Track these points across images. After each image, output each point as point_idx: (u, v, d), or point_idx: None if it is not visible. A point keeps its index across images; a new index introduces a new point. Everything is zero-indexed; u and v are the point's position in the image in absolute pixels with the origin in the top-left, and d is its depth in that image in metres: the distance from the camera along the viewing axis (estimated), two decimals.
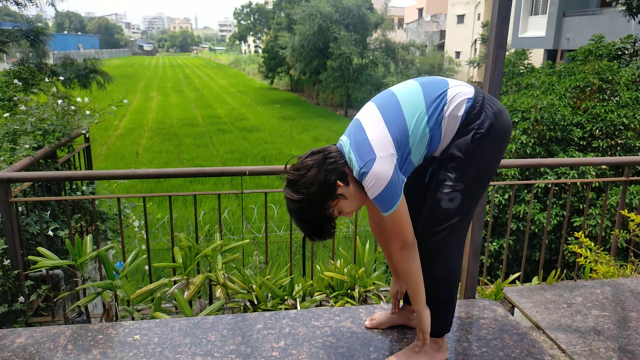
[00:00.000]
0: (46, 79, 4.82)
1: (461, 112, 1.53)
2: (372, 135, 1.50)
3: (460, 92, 1.56)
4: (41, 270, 2.88)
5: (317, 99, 30.20)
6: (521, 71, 7.67)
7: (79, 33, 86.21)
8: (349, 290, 2.76)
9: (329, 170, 1.51)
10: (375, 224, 1.85)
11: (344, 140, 1.57)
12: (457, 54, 30.97)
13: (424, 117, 1.52)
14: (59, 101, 3.80)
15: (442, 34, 33.93)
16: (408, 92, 1.57)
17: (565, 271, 3.37)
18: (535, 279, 2.94)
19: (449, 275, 1.64)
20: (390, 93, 1.60)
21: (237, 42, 47.87)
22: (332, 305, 2.66)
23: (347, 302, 2.67)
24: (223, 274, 2.61)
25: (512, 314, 2.35)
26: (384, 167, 1.46)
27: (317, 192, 1.50)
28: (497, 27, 1.87)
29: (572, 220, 4.93)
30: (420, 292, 1.61)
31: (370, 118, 1.55)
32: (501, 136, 1.57)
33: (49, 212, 3.26)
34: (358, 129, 1.54)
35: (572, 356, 1.88)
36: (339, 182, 1.52)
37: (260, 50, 38.70)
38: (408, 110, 1.53)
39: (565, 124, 5.43)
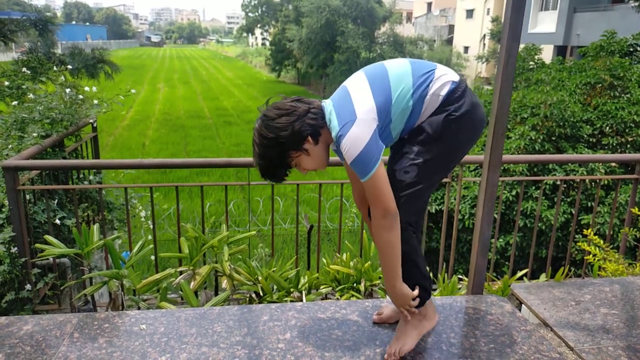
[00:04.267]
0: (54, 68, 4.82)
1: (444, 92, 1.55)
2: (356, 100, 1.52)
3: (446, 74, 1.59)
4: (48, 259, 2.90)
5: (323, 93, 30.10)
6: (531, 67, 7.60)
7: (87, 23, 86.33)
8: (355, 284, 2.76)
9: (307, 123, 1.53)
10: (359, 196, 1.83)
11: (327, 102, 1.60)
12: (466, 49, 30.75)
13: (409, 89, 1.54)
14: (67, 90, 3.80)
15: (451, 28, 33.68)
16: (397, 66, 1.60)
17: (573, 269, 3.34)
18: (543, 276, 2.92)
19: (405, 247, 1.60)
20: (380, 64, 1.63)
21: (245, 34, 47.75)
22: (338, 299, 2.66)
23: (353, 295, 2.66)
24: (229, 265, 2.61)
25: (520, 310, 2.33)
26: (362, 129, 1.47)
27: (286, 138, 1.52)
28: (510, 20, 1.83)
29: (579, 218, 4.89)
30: (397, 265, 1.57)
31: (357, 85, 1.57)
32: (473, 126, 1.60)
33: (56, 200, 3.27)
34: (344, 93, 1.57)
35: (580, 354, 1.86)
36: (309, 138, 1.54)
37: (267, 43, 38.60)
38: (395, 81, 1.55)
39: (575, 120, 5.37)
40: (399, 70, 1.57)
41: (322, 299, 2.70)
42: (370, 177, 1.48)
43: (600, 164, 4.87)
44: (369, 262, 2.77)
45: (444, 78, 1.57)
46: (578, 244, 3.32)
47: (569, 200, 5.04)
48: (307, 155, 1.58)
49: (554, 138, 5.36)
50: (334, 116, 1.52)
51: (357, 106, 1.50)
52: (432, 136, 1.55)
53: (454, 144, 1.58)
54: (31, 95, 3.87)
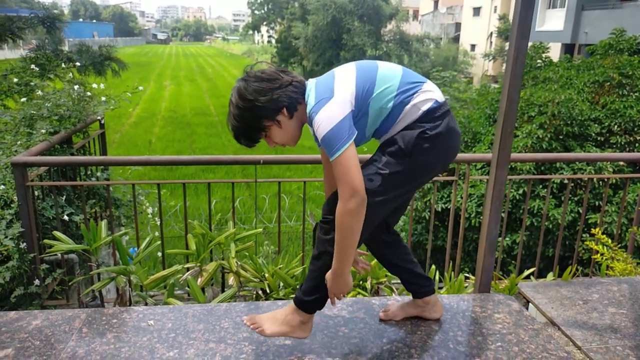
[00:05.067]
0: (62, 66, 4.84)
1: (425, 107, 1.54)
2: (338, 81, 1.52)
3: (432, 91, 1.58)
4: (56, 255, 2.91)
5: None
6: (539, 65, 7.55)
7: (94, 21, 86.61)
8: (361, 282, 2.76)
9: (286, 94, 1.54)
10: (330, 184, 1.81)
11: (310, 81, 1.60)
12: (473, 47, 30.61)
13: (393, 91, 1.54)
14: (75, 87, 3.82)
15: (458, 26, 33.53)
16: (389, 67, 1.60)
17: (580, 268, 3.33)
18: (550, 275, 2.91)
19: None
20: (374, 61, 1.63)
21: (251, 32, 47.81)
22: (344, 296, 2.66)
23: (359, 293, 2.66)
24: (236, 262, 2.61)
25: (527, 309, 2.32)
26: (337, 108, 1.46)
27: (263, 104, 1.52)
28: (520, 17, 1.82)
29: (587, 217, 4.86)
30: (352, 252, 1.51)
31: (344, 69, 1.58)
32: (444, 150, 1.58)
33: (64, 197, 3.29)
34: (330, 74, 1.58)
35: (587, 353, 1.86)
36: (285, 110, 1.55)
37: (273, 41, 38.61)
38: (381, 78, 1.55)
39: (583, 119, 5.34)
40: (389, 71, 1.57)
41: None
42: (339, 156, 1.44)
43: (609, 162, 4.84)
44: (375, 260, 2.77)
45: (428, 94, 1.56)
46: (586, 242, 3.30)
47: (576, 199, 5.01)
48: (278, 128, 1.58)
49: (561, 137, 5.33)
50: (313, 92, 1.52)
51: (337, 86, 1.50)
52: (402, 150, 1.52)
53: (422, 163, 1.55)
54: (39, 92, 3.90)
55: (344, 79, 1.53)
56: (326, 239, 1.58)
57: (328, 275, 1.58)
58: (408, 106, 1.54)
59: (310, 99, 1.52)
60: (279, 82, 1.54)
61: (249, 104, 1.53)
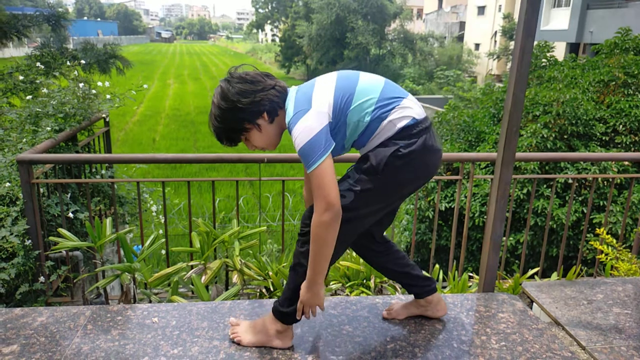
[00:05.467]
0: (68, 63, 4.86)
1: (400, 124, 1.52)
2: (316, 92, 1.52)
3: (411, 107, 1.55)
4: (61, 252, 2.93)
5: None
6: (543, 64, 7.52)
7: (98, 19, 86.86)
8: (365, 280, 2.76)
9: (268, 98, 1.55)
10: (309, 194, 1.82)
11: (293, 88, 1.61)
12: (477, 46, 30.52)
13: (372, 104, 1.52)
14: (80, 85, 3.83)
15: (462, 25, 33.44)
16: (370, 79, 1.58)
17: (584, 268, 3.32)
18: (554, 275, 2.90)
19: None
20: (357, 72, 1.62)
21: (255, 30, 47.81)
22: (348, 295, 2.66)
23: (363, 292, 2.66)
24: (240, 260, 2.62)
25: (531, 309, 2.32)
26: (314, 120, 1.46)
27: (245, 106, 1.53)
28: (526, 15, 1.82)
29: (591, 217, 4.85)
30: (325, 266, 1.52)
31: (324, 79, 1.57)
32: (418, 168, 1.55)
33: (69, 194, 3.30)
34: (310, 84, 1.58)
35: (592, 353, 1.85)
36: (265, 114, 1.56)
37: (277, 39, 38.62)
38: (361, 90, 1.53)
39: (588, 118, 5.32)
40: (369, 84, 1.55)
41: (331, 295, 2.71)
42: (315, 168, 1.44)
43: (613, 162, 4.82)
44: None
45: (406, 111, 1.53)
46: (590, 242, 3.29)
47: (580, 199, 5.00)
48: (258, 131, 1.59)
49: (566, 136, 5.31)
50: (292, 102, 1.52)
51: (315, 97, 1.50)
52: (374, 167, 1.51)
53: (395, 181, 1.53)
54: (45, 90, 3.91)
55: (323, 90, 1.52)
56: (301, 251, 1.58)
57: (302, 285, 1.59)
58: (385, 122, 1.52)
59: (289, 108, 1.52)
60: (261, 84, 1.55)
61: (230, 105, 1.54)
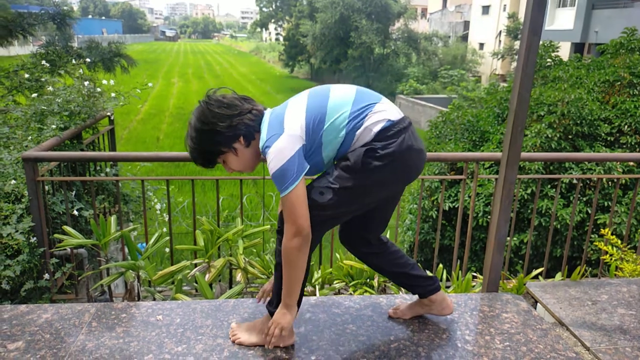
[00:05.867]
0: (73, 62, 4.88)
1: (377, 129, 1.52)
2: (288, 115, 1.52)
3: (385, 110, 1.55)
4: (66, 249, 2.94)
5: None
6: (548, 64, 7.49)
7: (103, 18, 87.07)
8: (368, 280, 2.76)
9: (244, 122, 1.55)
10: None
11: (267, 111, 1.61)
12: (481, 45, 30.43)
13: (345, 119, 1.52)
14: (86, 83, 3.84)
15: (466, 24, 33.35)
16: (341, 91, 1.58)
17: (589, 269, 3.31)
18: (558, 275, 2.89)
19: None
20: (327, 87, 1.61)
21: (259, 29, 47.84)
22: (351, 294, 2.66)
23: (366, 291, 2.67)
24: (243, 258, 2.62)
25: (535, 309, 2.31)
26: (287, 144, 1.46)
27: (221, 130, 1.54)
28: (532, 14, 1.81)
29: (595, 218, 4.83)
30: (297, 288, 1.58)
31: (297, 100, 1.58)
32: (398, 169, 1.54)
33: (74, 192, 3.31)
34: (284, 106, 1.59)
35: (596, 354, 1.85)
36: (242, 138, 1.57)
37: (281, 38, 38.63)
38: (333, 106, 1.53)
39: (593, 118, 5.29)
40: (341, 98, 1.54)
41: (335, 294, 2.71)
42: (288, 193, 1.47)
43: (618, 163, 4.80)
44: None
45: (381, 114, 1.53)
46: (594, 243, 3.28)
47: (584, 199, 4.98)
48: (235, 155, 1.59)
49: (570, 136, 5.29)
50: (266, 125, 1.53)
51: (287, 120, 1.50)
52: (351, 166, 1.52)
53: (373, 180, 1.53)
54: (50, 88, 3.92)
55: (295, 112, 1.52)
56: (280, 249, 1.60)
57: (280, 305, 1.62)
58: (360, 130, 1.52)
59: (263, 132, 1.53)
60: (238, 109, 1.55)
61: (207, 128, 1.54)
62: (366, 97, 1.56)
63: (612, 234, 2.77)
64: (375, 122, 1.52)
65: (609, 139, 5.33)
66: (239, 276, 2.64)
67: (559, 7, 20.52)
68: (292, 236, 1.49)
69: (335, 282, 2.80)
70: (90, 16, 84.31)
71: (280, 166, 1.45)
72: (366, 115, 1.53)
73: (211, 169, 1.73)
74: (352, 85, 1.62)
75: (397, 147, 1.51)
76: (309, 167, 1.50)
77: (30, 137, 3.29)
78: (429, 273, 1.91)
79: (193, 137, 1.58)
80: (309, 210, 1.51)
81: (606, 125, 5.34)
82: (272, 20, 40.60)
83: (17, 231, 2.69)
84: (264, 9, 39.84)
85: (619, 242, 2.78)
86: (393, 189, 1.63)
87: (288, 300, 1.60)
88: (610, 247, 2.74)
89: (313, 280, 2.70)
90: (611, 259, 2.74)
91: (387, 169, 1.52)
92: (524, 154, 3.29)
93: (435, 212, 5.59)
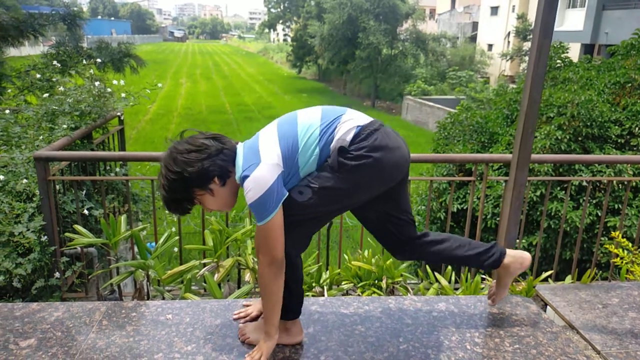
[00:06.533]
0: (84, 62, 4.92)
1: (349, 137, 1.54)
2: (262, 145, 1.53)
3: (352, 118, 1.57)
4: (76, 248, 2.96)
5: (344, 89, 30.03)
6: (558, 65, 7.44)
7: (112, 18, 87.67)
8: (376, 281, 2.75)
9: (216, 163, 1.53)
10: None
11: (239, 145, 1.61)
12: (490, 46, 30.29)
13: (316, 138, 1.54)
14: (96, 83, 3.88)
15: (475, 25, 33.21)
16: (308, 114, 1.60)
17: (600, 272, 3.28)
18: (568, 278, 2.87)
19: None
20: (294, 113, 1.63)
21: (267, 30, 47.94)
22: (359, 295, 2.66)
23: (374, 292, 2.66)
24: (252, 258, 2.63)
25: (544, 312, 2.30)
26: (265, 173, 1.46)
27: (193, 175, 1.52)
28: (543, 16, 1.80)
29: (605, 220, 4.79)
30: (276, 313, 1.60)
31: (267, 131, 1.59)
32: (375, 168, 1.54)
33: (84, 191, 3.34)
34: (255, 138, 1.59)
35: (607, 358, 1.83)
36: (216, 179, 1.54)
37: (289, 39, 38.68)
38: (302, 129, 1.55)
39: (603, 120, 5.25)
40: (308, 120, 1.57)
41: (343, 295, 2.71)
42: (265, 223, 1.47)
43: (629, 165, 4.76)
44: (391, 260, 2.76)
45: (349, 123, 1.55)
46: (605, 246, 3.25)
47: (594, 201, 4.94)
48: (211, 196, 1.57)
49: (580, 138, 5.25)
50: (241, 157, 1.53)
51: (262, 150, 1.51)
52: (330, 166, 1.53)
53: (353, 180, 1.53)
54: (61, 88, 3.96)
55: (268, 142, 1.53)
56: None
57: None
58: (333, 143, 1.54)
59: (238, 164, 1.53)
60: (207, 151, 1.53)
61: (177, 176, 1.52)
62: (332, 113, 1.59)
63: (622, 237, 2.74)
64: (346, 132, 1.54)
65: (619, 141, 5.29)
66: (247, 276, 2.65)
67: (569, 7, 20.39)
68: (267, 265, 1.51)
69: (343, 283, 2.80)
70: (99, 17, 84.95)
71: (260, 196, 1.45)
72: (335, 128, 1.55)
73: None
74: (317, 106, 1.65)
75: (370, 148, 1.52)
76: (287, 194, 1.51)
77: (41, 137, 3.32)
78: (483, 244, 1.86)
79: (165, 185, 1.55)
80: (289, 210, 1.52)
81: (617, 127, 5.30)
82: (280, 21, 40.66)
83: (28, 230, 2.72)
84: (272, 10, 39.90)
85: (630, 245, 2.76)
86: (375, 189, 1.62)
87: (267, 327, 1.62)
88: (620, 250, 2.72)
89: (321, 281, 2.70)
90: (622, 262, 2.72)
91: (364, 169, 1.53)
92: (533, 156, 3.28)
93: (444, 214, 5.57)
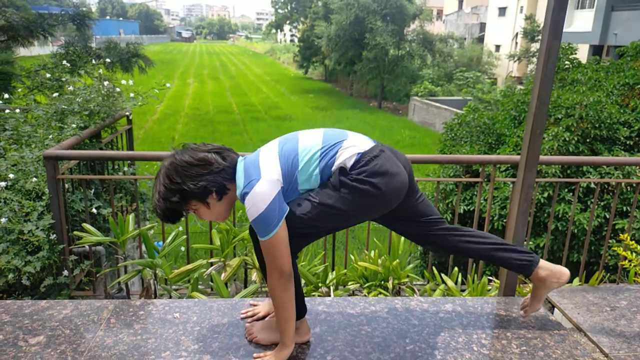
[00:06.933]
0: (93, 62, 4.95)
1: (350, 164, 1.55)
2: (263, 161, 1.54)
3: (355, 145, 1.59)
4: (84, 246, 2.99)
5: (351, 90, 30.01)
6: (566, 66, 7.40)
7: (120, 19, 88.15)
8: (383, 282, 2.75)
9: (217, 180, 1.55)
10: None
11: (240, 160, 1.61)
12: (497, 47, 30.16)
13: (317, 159, 1.55)
14: (106, 83, 3.90)
15: (482, 26, 33.07)
16: (309, 135, 1.62)
17: (608, 274, 3.26)
18: (576, 280, 2.86)
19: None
20: (295, 133, 1.65)
21: (274, 30, 48.02)
22: (366, 296, 2.66)
23: (381, 293, 2.66)
24: None
25: (552, 314, 2.29)
26: (266, 189, 1.48)
27: (192, 188, 1.53)
28: (552, 16, 1.80)
29: (613, 223, 4.76)
30: (290, 325, 1.60)
31: (268, 148, 1.60)
32: (374, 192, 1.54)
33: (93, 190, 3.36)
34: (256, 154, 1.61)
35: None
36: (214, 194, 1.56)
37: (296, 40, 38.72)
38: (303, 148, 1.57)
39: (612, 122, 5.22)
40: (310, 140, 1.59)
41: (349, 295, 2.71)
42: (269, 238, 1.48)
43: (638, 167, 4.72)
44: (397, 260, 2.76)
45: (351, 150, 1.57)
46: (613, 248, 3.23)
47: (602, 204, 4.91)
48: (207, 208, 1.59)
49: (588, 140, 5.22)
50: (241, 173, 1.54)
51: (262, 166, 1.52)
52: (332, 184, 1.55)
53: (351, 204, 1.54)
54: (70, 88, 3.99)
55: (269, 158, 1.55)
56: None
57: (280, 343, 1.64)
58: (334, 167, 1.55)
59: (239, 180, 1.54)
60: (209, 167, 1.54)
61: (176, 187, 1.53)
62: (334, 137, 1.61)
63: (631, 240, 2.72)
64: (347, 158, 1.56)
65: (628, 142, 5.25)
66: (254, 276, 2.66)
67: (577, 8, 20.26)
68: (277, 278, 1.53)
69: (349, 283, 2.80)
70: (108, 17, 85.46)
71: (262, 212, 1.46)
72: (337, 152, 1.57)
73: None
74: (319, 129, 1.67)
75: (370, 172, 1.53)
76: (288, 209, 1.53)
77: (51, 136, 3.35)
78: (522, 250, 1.84)
79: (161, 193, 1.55)
80: (288, 222, 1.53)
81: (625, 128, 5.26)
82: (287, 22, 40.69)
83: (37, 228, 2.74)
84: (279, 11, 39.94)
85: (639, 247, 2.74)
86: (374, 213, 1.65)
87: (283, 338, 1.63)
88: (629, 253, 2.70)
89: (327, 282, 2.71)
90: (630, 265, 2.70)
91: (363, 193, 1.53)
92: (541, 157, 3.25)
93: (450, 215, 5.56)
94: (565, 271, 1.84)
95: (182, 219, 1.68)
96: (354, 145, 1.58)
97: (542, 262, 1.83)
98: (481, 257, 1.85)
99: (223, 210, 1.63)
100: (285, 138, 1.63)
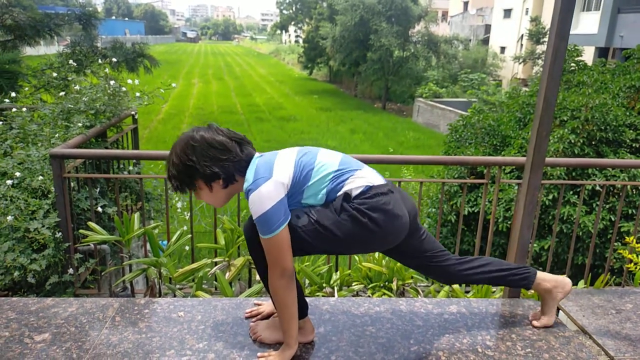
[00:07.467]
0: (99, 61, 4.98)
1: (356, 192, 1.56)
2: (278, 163, 1.55)
3: (366, 177, 1.60)
4: (89, 245, 3.00)
5: (355, 91, 30.01)
6: (572, 68, 7.38)
7: (126, 19, 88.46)
8: (387, 283, 2.75)
9: (229, 169, 1.56)
10: None
11: (256, 156, 1.62)
12: (502, 49, 30.09)
13: (328, 180, 1.57)
14: (112, 82, 3.92)
15: (488, 28, 33.01)
16: (328, 154, 1.64)
17: (613, 277, 3.25)
18: (581, 283, 2.84)
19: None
20: (316, 148, 1.67)
21: (279, 31, 48.09)
22: (370, 296, 2.66)
23: (385, 294, 2.66)
24: None
25: (557, 316, 2.28)
26: (273, 190, 1.48)
27: (202, 168, 1.55)
28: (559, 17, 1.79)
29: (619, 225, 4.74)
30: (293, 325, 1.60)
31: (286, 152, 1.62)
32: (368, 228, 1.53)
33: (98, 189, 3.38)
34: (272, 154, 1.61)
35: None
36: (221, 181, 1.58)
37: (300, 40, 38.74)
38: (319, 165, 1.58)
39: (618, 124, 5.20)
40: (327, 159, 1.61)
41: (353, 296, 2.71)
42: (273, 237, 1.48)
43: None
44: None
45: (361, 180, 1.58)
46: (618, 251, 3.22)
47: (607, 206, 4.89)
48: (209, 191, 1.61)
49: (594, 142, 5.20)
50: (253, 169, 1.54)
51: (276, 167, 1.53)
52: (333, 207, 1.55)
53: (347, 232, 1.54)
54: (76, 87, 4.01)
55: (285, 162, 1.56)
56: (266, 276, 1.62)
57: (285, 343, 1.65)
58: (340, 192, 1.56)
59: (249, 175, 1.54)
60: (226, 155, 1.56)
61: (189, 162, 1.55)
62: (349, 163, 1.63)
63: (636, 242, 2.71)
64: (355, 187, 1.57)
65: (634, 145, 5.23)
66: (258, 275, 2.66)
67: (583, 10, 20.19)
68: (279, 277, 1.53)
69: (353, 284, 2.80)
70: (113, 17, 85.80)
71: (267, 210, 1.47)
72: (347, 179, 1.58)
73: None
74: (338, 152, 1.69)
75: (372, 206, 1.53)
76: (290, 215, 1.54)
77: (57, 135, 3.36)
78: (515, 266, 1.87)
79: (174, 164, 1.58)
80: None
81: (631, 131, 5.24)
82: (292, 23, 40.73)
83: (43, 226, 2.75)
84: (284, 12, 39.98)
85: None
86: (370, 246, 1.65)
87: (287, 339, 1.63)
88: (634, 256, 2.69)
89: (331, 282, 2.71)
90: (636, 268, 2.69)
91: (360, 225, 1.53)
92: (547, 159, 3.25)
93: (454, 217, 5.55)
94: (567, 280, 1.89)
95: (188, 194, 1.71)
96: (365, 177, 1.60)
97: (542, 274, 1.86)
98: (482, 283, 1.88)
99: (224, 197, 1.65)
100: (306, 149, 1.64)
